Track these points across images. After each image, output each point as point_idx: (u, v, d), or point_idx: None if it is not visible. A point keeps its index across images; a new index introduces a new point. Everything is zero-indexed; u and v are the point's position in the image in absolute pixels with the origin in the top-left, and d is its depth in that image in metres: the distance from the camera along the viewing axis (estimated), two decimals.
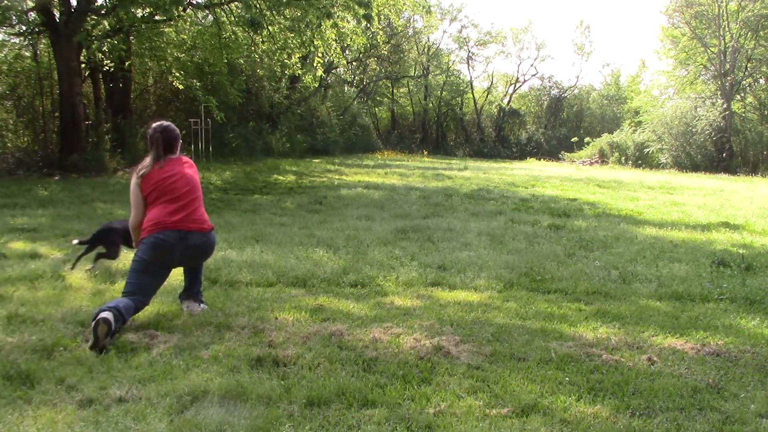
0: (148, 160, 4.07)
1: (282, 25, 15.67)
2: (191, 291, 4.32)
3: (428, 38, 39.85)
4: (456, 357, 3.49)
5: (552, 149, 38.18)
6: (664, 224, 9.00)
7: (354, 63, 34.64)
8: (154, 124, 4.19)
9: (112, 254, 5.26)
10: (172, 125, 4.24)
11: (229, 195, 11.81)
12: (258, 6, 14.22)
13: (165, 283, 4.84)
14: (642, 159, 29.85)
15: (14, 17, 14.71)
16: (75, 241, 5.46)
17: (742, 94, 30.85)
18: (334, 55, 18.56)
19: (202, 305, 4.30)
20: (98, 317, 3.45)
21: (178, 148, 4.23)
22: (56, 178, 13.43)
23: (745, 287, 5.34)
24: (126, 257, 5.50)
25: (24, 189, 11.29)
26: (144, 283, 3.92)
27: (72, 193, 10.98)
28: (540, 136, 41.21)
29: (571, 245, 7.13)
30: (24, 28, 15.48)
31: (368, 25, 16.66)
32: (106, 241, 5.23)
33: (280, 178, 15.67)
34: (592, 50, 58.49)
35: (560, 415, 2.84)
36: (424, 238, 7.30)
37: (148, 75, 20.85)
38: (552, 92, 44.22)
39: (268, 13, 14.81)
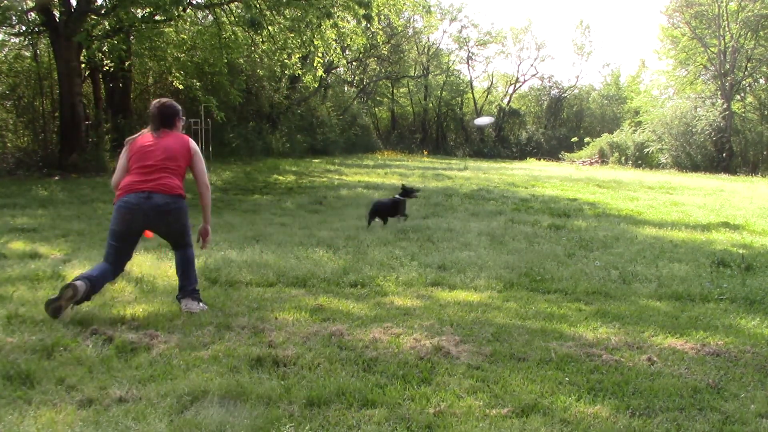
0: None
1: (282, 25, 15.67)
2: (186, 289, 4.30)
3: (428, 38, 39.89)
4: (456, 357, 3.49)
5: (552, 149, 38.19)
6: (664, 224, 9.00)
7: (354, 63, 34.64)
8: (154, 101, 4.39)
9: (386, 220, 7.98)
10: (173, 102, 4.37)
11: (229, 195, 11.81)
12: (258, 6, 14.22)
13: (165, 282, 4.85)
14: (642, 159, 29.86)
15: (14, 17, 14.72)
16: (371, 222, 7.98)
17: (742, 94, 30.86)
18: (334, 55, 18.56)
19: (201, 304, 4.30)
20: (72, 282, 3.82)
21: (178, 125, 4.33)
22: (56, 178, 13.43)
23: (745, 287, 5.34)
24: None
25: (24, 189, 11.30)
26: (116, 250, 4.12)
27: (72, 193, 10.98)
28: (540, 136, 41.23)
29: (571, 245, 7.13)
30: (24, 28, 15.49)
31: (368, 25, 16.65)
32: (380, 214, 7.97)
33: (280, 178, 15.67)
34: (592, 50, 58.60)
35: (560, 415, 2.83)
36: (424, 238, 7.30)
37: (148, 75, 20.86)
38: (552, 92, 44.25)
39: (268, 13, 14.81)
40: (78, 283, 3.84)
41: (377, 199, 8.97)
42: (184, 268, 4.34)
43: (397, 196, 8.17)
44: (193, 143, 4.31)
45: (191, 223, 4.39)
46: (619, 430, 2.72)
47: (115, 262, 4.15)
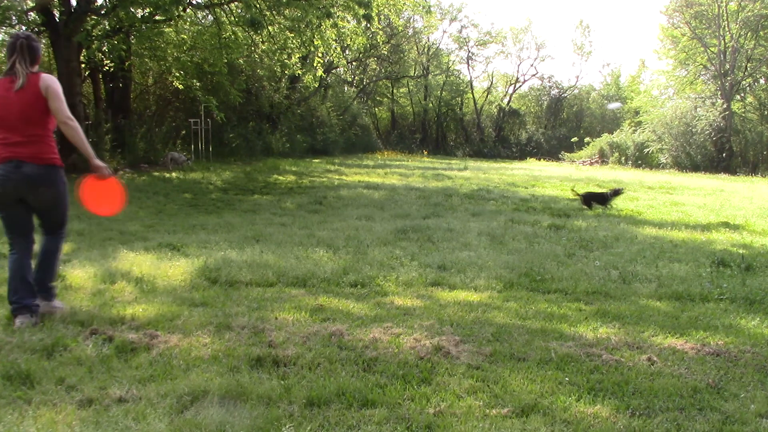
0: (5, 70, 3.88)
1: (282, 25, 15.68)
2: (40, 284, 4.02)
3: (428, 38, 39.90)
4: (456, 357, 3.49)
5: (552, 149, 38.19)
6: (664, 224, 9.00)
7: (354, 63, 34.66)
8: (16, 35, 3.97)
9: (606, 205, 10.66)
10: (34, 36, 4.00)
11: (229, 195, 11.81)
12: (258, 6, 14.23)
13: (165, 282, 4.84)
14: (642, 159, 29.87)
15: (14, 17, 14.71)
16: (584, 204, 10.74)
17: (742, 94, 30.86)
18: (334, 55, 18.59)
19: (56, 302, 4.08)
20: (16, 322, 3.77)
21: (38, 62, 3.96)
22: None
23: (745, 287, 5.33)
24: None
25: None
26: (6, 220, 3.97)
27: (71, 193, 10.95)
28: (540, 136, 41.23)
29: (571, 245, 7.13)
30: (24, 28, 15.47)
31: (368, 25, 16.67)
32: (594, 200, 10.69)
33: (280, 178, 15.67)
34: (592, 50, 58.52)
35: (560, 415, 2.83)
36: (424, 238, 7.30)
37: (148, 75, 20.87)
38: (552, 92, 44.24)
39: (268, 13, 14.82)
40: (20, 322, 3.76)
41: (588, 191, 11.41)
42: (49, 259, 4.06)
43: (607, 192, 10.88)
44: (44, 81, 3.84)
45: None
46: (619, 430, 2.72)
47: (16, 237, 3.95)
